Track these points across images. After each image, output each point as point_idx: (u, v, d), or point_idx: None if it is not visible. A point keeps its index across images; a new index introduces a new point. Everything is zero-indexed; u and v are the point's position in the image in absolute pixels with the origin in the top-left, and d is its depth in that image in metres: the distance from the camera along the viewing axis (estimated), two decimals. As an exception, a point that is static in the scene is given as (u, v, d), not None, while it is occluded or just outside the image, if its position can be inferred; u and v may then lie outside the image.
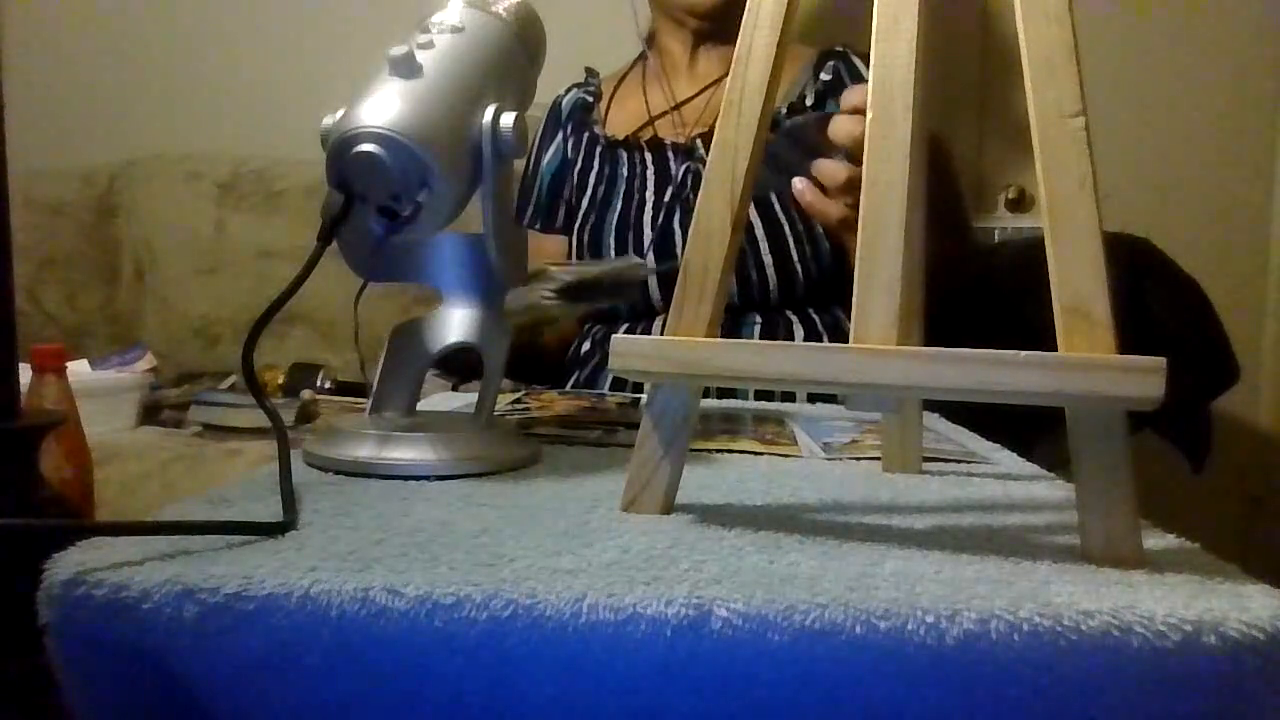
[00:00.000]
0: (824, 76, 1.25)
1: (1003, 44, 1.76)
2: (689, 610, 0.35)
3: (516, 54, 0.65)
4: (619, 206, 1.27)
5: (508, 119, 0.58)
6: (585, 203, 1.31)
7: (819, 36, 1.39)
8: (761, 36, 0.48)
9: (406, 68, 0.56)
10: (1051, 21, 0.42)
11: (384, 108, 0.55)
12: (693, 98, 1.30)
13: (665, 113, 1.31)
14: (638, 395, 0.98)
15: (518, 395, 0.98)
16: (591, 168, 1.32)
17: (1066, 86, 0.42)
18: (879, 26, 0.46)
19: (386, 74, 0.57)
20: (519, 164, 1.36)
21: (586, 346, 1.27)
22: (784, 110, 1.23)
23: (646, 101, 1.33)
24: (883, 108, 0.45)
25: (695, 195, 1.25)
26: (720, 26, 1.29)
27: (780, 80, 0.48)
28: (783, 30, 0.48)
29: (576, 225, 1.31)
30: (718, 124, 0.48)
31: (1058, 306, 0.41)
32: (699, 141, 1.25)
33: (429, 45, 0.59)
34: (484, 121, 0.58)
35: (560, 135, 1.38)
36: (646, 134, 1.30)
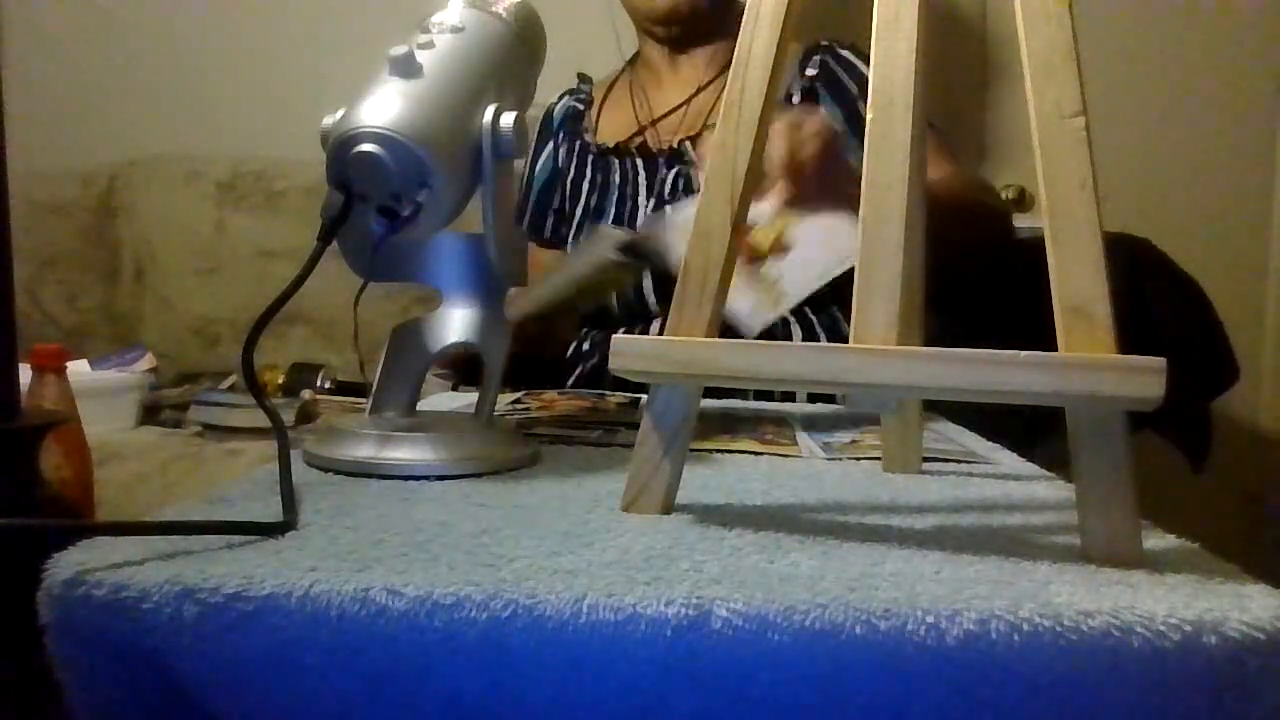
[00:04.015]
0: (809, 71, 1.25)
1: (1003, 44, 1.76)
2: (689, 610, 0.35)
3: (517, 54, 0.65)
4: (612, 214, 1.28)
5: (508, 119, 0.58)
6: (579, 211, 1.32)
7: (802, 32, 1.39)
8: (761, 37, 0.48)
9: (406, 68, 0.56)
10: (1051, 22, 0.42)
11: (384, 108, 0.55)
12: (679, 107, 1.30)
13: (655, 121, 1.31)
14: (638, 395, 0.98)
15: (518, 395, 0.98)
16: (585, 175, 1.33)
17: (1066, 86, 0.42)
18: (879, 25, 0.46)
19: (386, 74, 0.56)
20: (519, 166, 1.36)
21: (586, 347, 1.27)
22: None
23: (635, 110, 1.33)
24: (883, 108, 0.45)
25: (686, 198, 1.25)
26: (691, 30, 1.28)
27: (780, 81, 0.48)
28: (782, 30, 0.48)
29: (571, 233, 1.32)
30: (718, 125, 0.48)
31: (1058, 306, 0.41)
32: (687, 144, 1.25)
33: (429, 45, 0.59)
34: (484, 121, 0.58)
35: (552, 144, 1.39)
36: (637, 141, 1.30)
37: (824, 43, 1.28)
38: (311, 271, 0.54)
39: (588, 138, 1.35)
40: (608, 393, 1.04)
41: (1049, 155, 0.42)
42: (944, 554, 0.43)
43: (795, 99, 1.24)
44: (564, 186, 1.36)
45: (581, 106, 1.39)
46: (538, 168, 1.39)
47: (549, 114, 1.42)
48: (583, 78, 1.42)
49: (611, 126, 1.34)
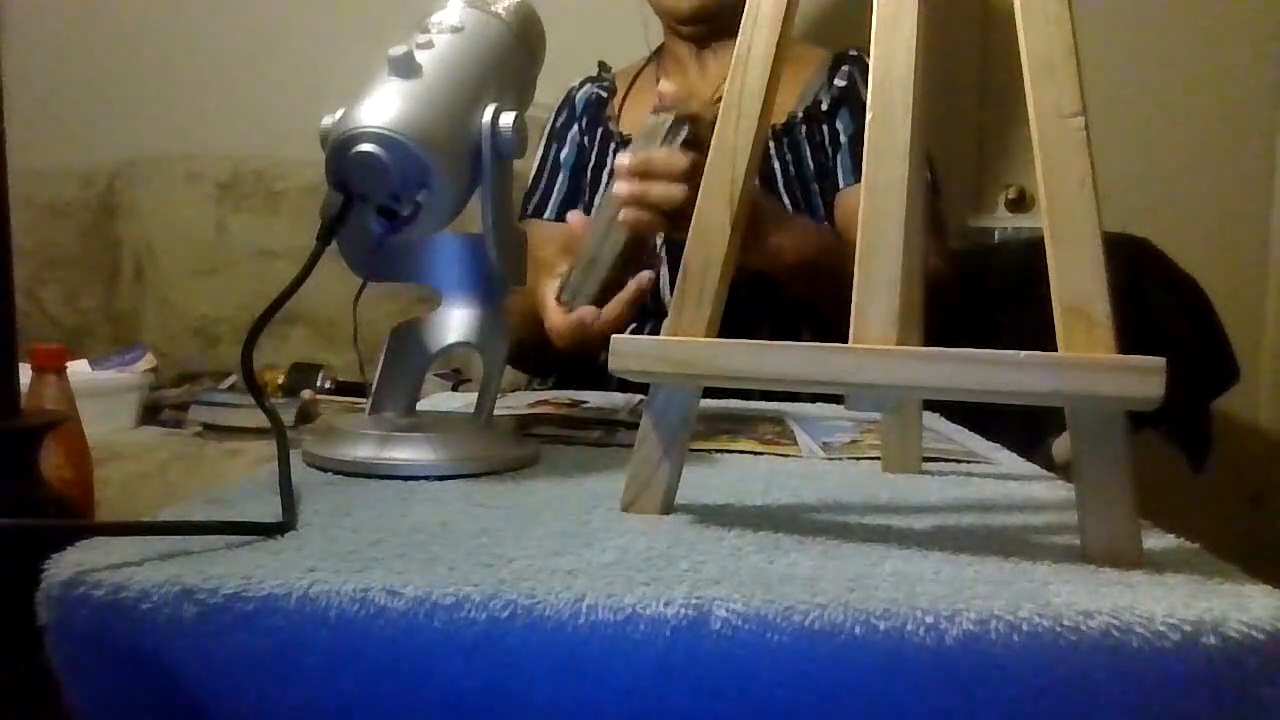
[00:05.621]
0: (839, 82, 1.24)
1: (1003, 44, 1.76)
2: (688, 610, 0.35)
3: (516, 54, 0.65)
4: None
5: (507, 119, 0.58)
6: (598, 198, 1.31)
7: (830, 37, 1.38)
8: (761, 37, 0.48)
9: (406, 68, 0.56)
10: (1051, 21, 0.42)
11: (383, 108, 0.55)
12: (714, 100, 1.29)
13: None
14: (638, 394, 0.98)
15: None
16: (605, 164, 1.32)
17: (1066, 86, 0.42)
18: (878, 25, 0.46)
19: (386, 74, 0.56)
20: (528, 161, 1.35)
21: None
22: (799, 115, 1.23)
23: None
24: (882, 107, 0.45)
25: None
26: (717, 28, 1.28)
27: (779, 81, 0.48)
28: (781, 31, 0.48)
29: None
30: (716, 125, 0.48)
31: (1058, 306, 0.41)
32: None
33: (428, 45, 0.59)
34: (483, 121, 0.58)
35: (576, 128, 1.38)
36: None
37: (853, 52, 1.27)
38: (311, 272, 0.54)
39: (611, 126, 1.34)
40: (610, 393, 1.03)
41: (1048, 155, 0.42)
42: (943, 554, 0.43)
43: (824, 106, 1.23)
44: (587, 174, 1.35)
45: (605, 94, 1.38)
46: (564, 151, 1.37)
47: (570, 97, 1.40)
48: (603, 66, 1.41)
49: (635, 117, 1.33)
